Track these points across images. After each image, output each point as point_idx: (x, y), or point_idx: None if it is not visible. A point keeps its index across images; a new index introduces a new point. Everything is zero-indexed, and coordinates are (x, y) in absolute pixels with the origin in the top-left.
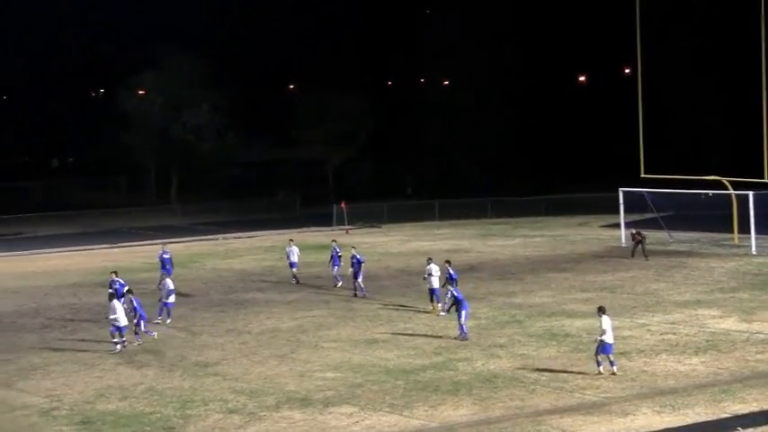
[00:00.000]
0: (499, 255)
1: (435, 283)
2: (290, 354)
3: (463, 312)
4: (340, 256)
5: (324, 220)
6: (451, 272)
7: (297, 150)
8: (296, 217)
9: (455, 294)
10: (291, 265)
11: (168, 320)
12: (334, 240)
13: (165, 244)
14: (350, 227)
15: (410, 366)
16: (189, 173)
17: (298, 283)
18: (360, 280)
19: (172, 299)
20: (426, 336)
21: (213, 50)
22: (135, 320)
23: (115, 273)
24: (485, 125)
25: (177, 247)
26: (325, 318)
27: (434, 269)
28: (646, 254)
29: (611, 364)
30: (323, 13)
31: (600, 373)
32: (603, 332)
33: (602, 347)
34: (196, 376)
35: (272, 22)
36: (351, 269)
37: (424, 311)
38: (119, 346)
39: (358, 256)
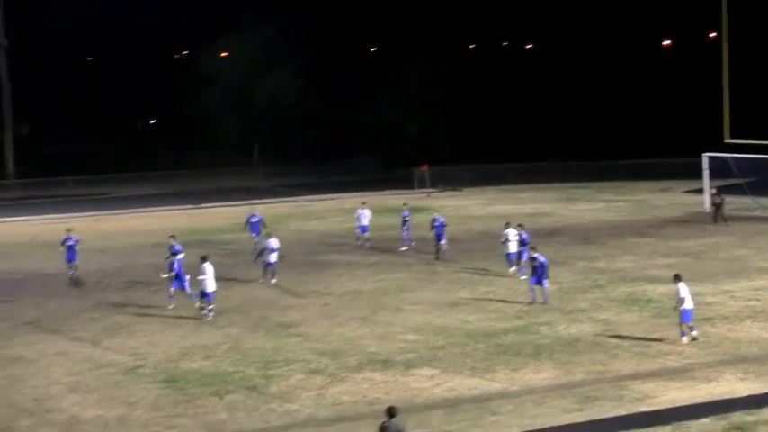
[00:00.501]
0: (581, 219)
1: (512, 247)
2: (371, 316)
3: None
4: (407, 221)
5: (405, 184)
6: (524, 236)
7: (380, 113)
8: (377, 180)
9: (538, 259)
10: (362, 228)
11: (273, 280)
12: (405, 204)
13: (253, 207)
14: (431, 190)
15: (491, 329)
16: (271, 135)
17: (366, 246)
18: (443, 242)
19: (274, 258)
20: (507, 300)
21: (295, 13)
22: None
23: (173, 237)
24: (567, 89)
25: (259, 209)
26: (406, 280)
27: (511, 233)
28: (725, 218)
29: (691, 329)
30: None
31: (693, 339)
32: (682, 300)
33: (684, 315)
34: (279, 337)
35: None
36: (432, 232)
37: (505, 275)
38: (211, 314)
39: (441, 219)
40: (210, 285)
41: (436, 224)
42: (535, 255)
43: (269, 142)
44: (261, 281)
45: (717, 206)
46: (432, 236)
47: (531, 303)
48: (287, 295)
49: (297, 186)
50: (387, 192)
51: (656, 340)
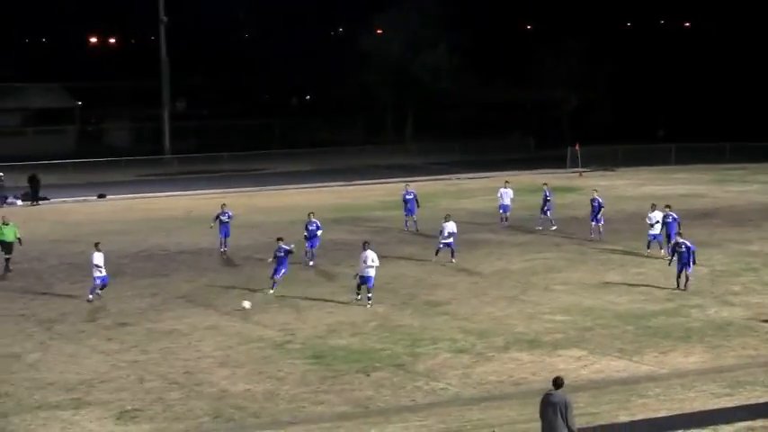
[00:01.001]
0: (735, 201)
1: (657, 229)
2: (519, 295)
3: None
4: (549, 200)
5: (558, 163)
6: (674, 216)
7: (533, 92)
8: (530, 158)
9: (684, 245)
10: (503, 207)
11: (453, 260)
12: (545, 184)
13: (407, 184)
14: (583, 169)
15: (641, 311)
16: (425, 113)
17: (506, 225)
18: (600, 223)
19: (451, 240)
20: (658, 282)
21: None
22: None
23: (312, 214)
24: (724, 69)
25: (412, 186)
26: (555, 260)
27: (657, 215)
28: None
29: None
30: None
31: None
32: None
33: None
34: (426, 315)
35: None
36: (591, 211)
37: (657, 257)
38: (369, 303)
39: (599, 199)
40: (369, 271)
41: (594, 203)
42: (681, 240)
43: (424, 120)
44: (434, 259)
45: None
46: (588, 215)
47: (677, 289)
48: (435, 273)
49: (450, 164)
50: (539, 170)
51: None
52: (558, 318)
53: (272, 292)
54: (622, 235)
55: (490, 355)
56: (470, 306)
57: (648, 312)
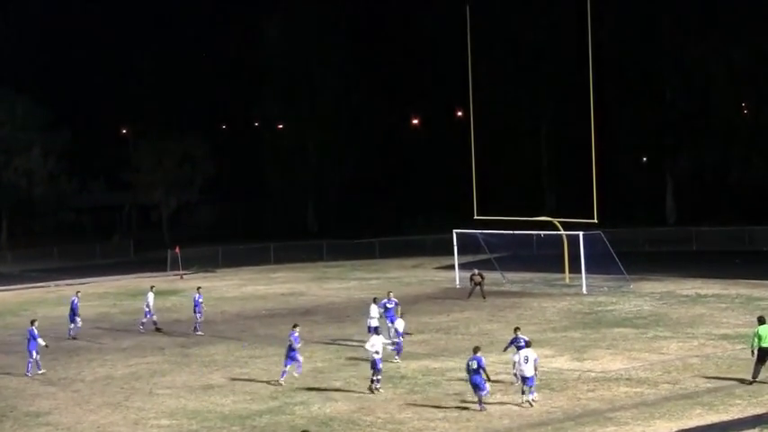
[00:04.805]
0: (335, 297)
1: (375, 323)
2: (123, 401)
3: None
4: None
5: (159, 265)
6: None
7: (133, 194)
8: (130, 262)
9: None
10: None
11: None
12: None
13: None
14: (184, 272)
15: (246, 412)
16: (20, 218)
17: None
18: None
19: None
20: (262, 380)
21: (46, 93)
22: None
23: None
24: (321, 167)
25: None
26: (159, 364)
27: (374, 310)
28: (484, 295)
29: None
30: (157, 56)
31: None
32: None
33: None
34: (27, 426)
35: (107, 66)
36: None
37: (259, 356)
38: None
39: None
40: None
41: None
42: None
43: (19, 225)
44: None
45: (476, 284)
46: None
47: (278, 382)
48: (35, 383)
49: (48, 271)
50: (139, 274)
51: (409, 415)
52: (164, 422)
53: None
54: (226, 335)
55: None
56: (74, 415)
57: (254, 412)
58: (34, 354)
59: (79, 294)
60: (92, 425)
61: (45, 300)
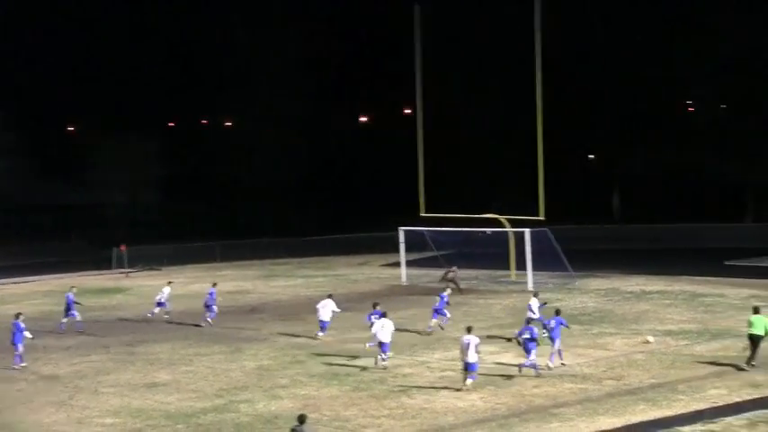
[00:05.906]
0: (281, 295)
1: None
2: (67, 400)
3: None
4: (76, 303)
5: (105, 264)
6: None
7: (84, 193)
8: (77, 261)
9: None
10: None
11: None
12: (72, 287)
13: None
14: (129, 270)
15: (191, 410)
16: None
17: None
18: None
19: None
20: (207, 378)
21: None
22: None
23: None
24: (268, 165)
25: None
26: (104, 362)
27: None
28: (460, 289)
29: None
30: (102, 53)
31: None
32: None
33: None
34: None
35: (53, 64)
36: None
37: (205, 354)
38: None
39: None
40: None
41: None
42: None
43: None
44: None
45: (450, 280)
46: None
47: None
48: None
49: None
50: (85, 273)
51: (355, 412)
52: (108, 421)
53: None
54: (170, 334)
55: None
56: (16, 414)
57: (198, 410)
58: (20, 347)
59: (74, 290)
60: (35, 424)
61: None
